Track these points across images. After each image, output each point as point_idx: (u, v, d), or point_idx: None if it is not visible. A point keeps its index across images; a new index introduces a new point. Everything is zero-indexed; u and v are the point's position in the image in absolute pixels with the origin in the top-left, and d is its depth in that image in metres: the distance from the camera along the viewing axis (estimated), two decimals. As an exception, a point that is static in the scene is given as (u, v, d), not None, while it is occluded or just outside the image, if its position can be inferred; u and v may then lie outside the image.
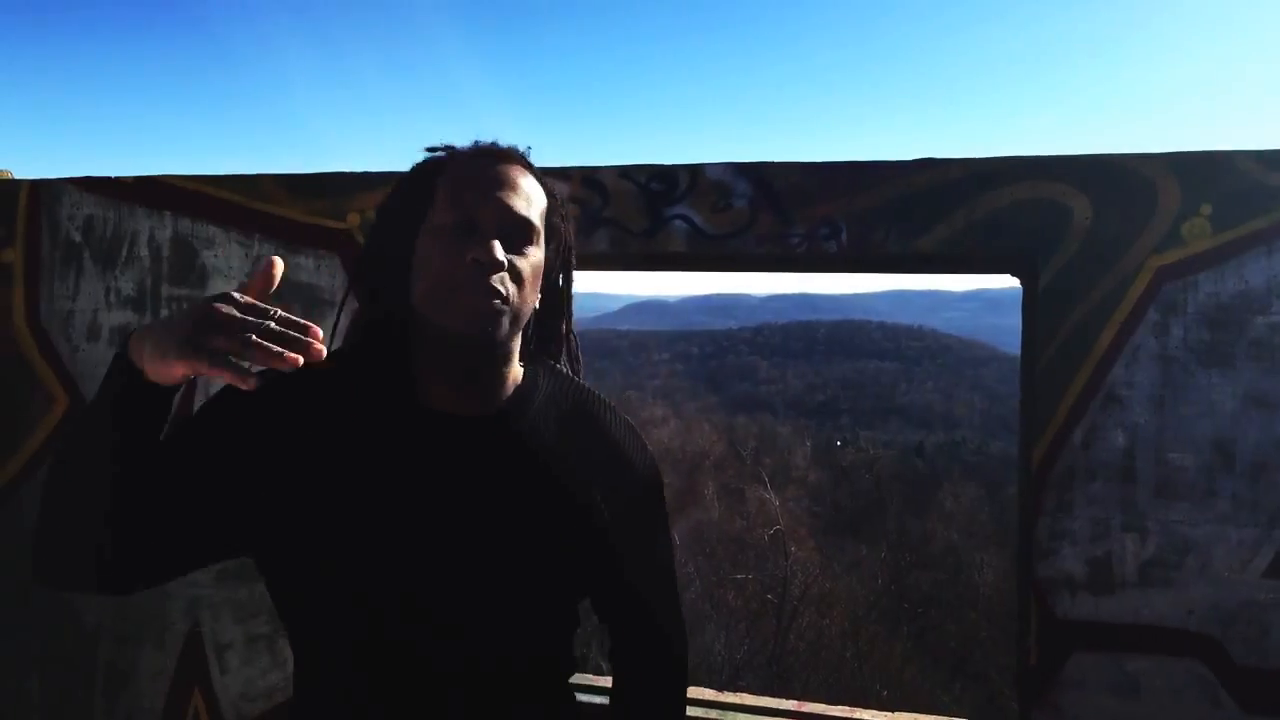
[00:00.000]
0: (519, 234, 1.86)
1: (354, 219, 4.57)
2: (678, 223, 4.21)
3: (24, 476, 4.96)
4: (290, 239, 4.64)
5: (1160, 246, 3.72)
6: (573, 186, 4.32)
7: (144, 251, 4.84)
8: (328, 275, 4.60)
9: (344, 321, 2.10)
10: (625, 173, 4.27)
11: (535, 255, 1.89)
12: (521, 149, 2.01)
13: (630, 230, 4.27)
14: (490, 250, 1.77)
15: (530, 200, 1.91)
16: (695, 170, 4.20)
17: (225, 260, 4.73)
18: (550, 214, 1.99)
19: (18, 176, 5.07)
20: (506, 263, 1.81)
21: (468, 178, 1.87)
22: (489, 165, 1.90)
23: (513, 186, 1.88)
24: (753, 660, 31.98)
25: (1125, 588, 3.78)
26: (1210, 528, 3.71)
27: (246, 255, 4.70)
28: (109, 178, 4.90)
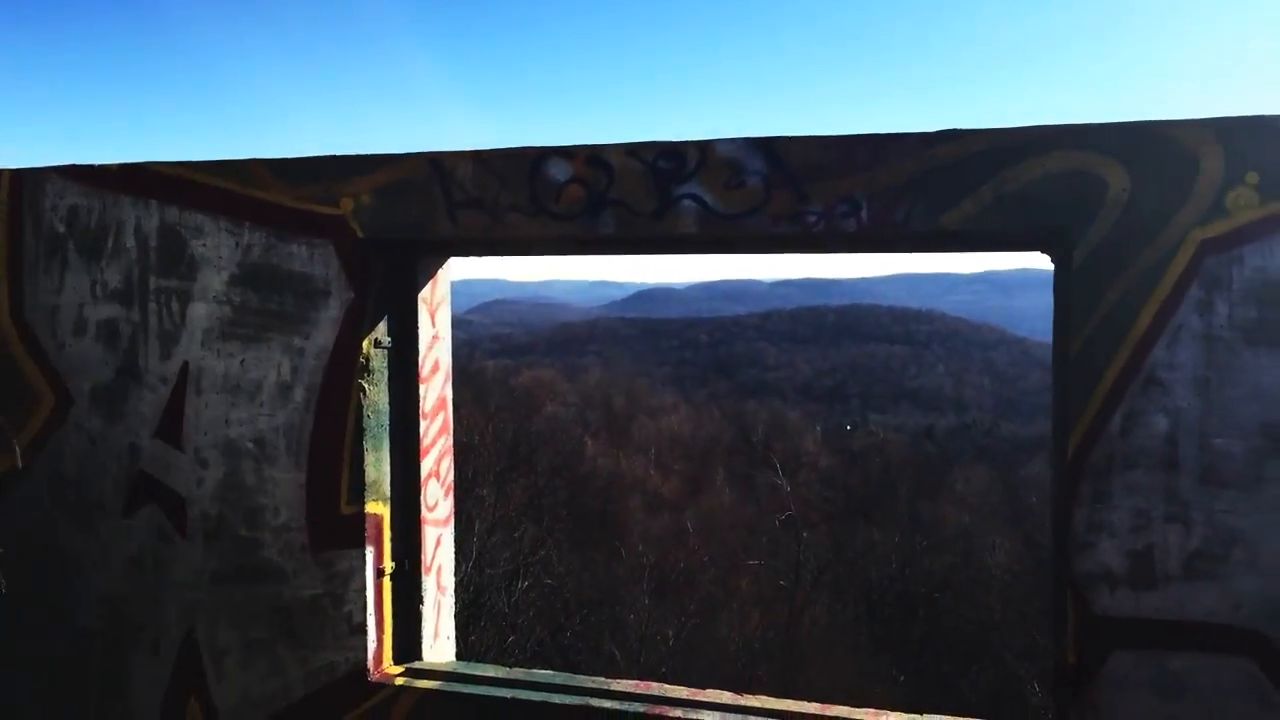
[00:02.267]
0: None
1: (347, 204, 4.36)
2: (687, 202, 3.99)
3: (10, 477, 4.77)
4: (281, 226, 4.44)
5: (1203, 219, 3.49)
6: (577, 166, 4.10)
7: (130, 242, 4.64)
8: (321, 263, 4.39)
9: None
10: (632, 150, 4.05)
11: None
12: None
13: (637, 211, 4.05)
14: None
15: None
16: (705, 147, 3.98)
17: (215, 250, 4.53)
18: None
19: (-2, 166, 4.87)
20: None
21: None
22: None
23: None
24: (768, 648, 31.85)
25: (1168, 582, 3.57)
26: (1259, 517, 3.49)
27: (237, 244, 4.50)
28: (93, 166, 4.69)
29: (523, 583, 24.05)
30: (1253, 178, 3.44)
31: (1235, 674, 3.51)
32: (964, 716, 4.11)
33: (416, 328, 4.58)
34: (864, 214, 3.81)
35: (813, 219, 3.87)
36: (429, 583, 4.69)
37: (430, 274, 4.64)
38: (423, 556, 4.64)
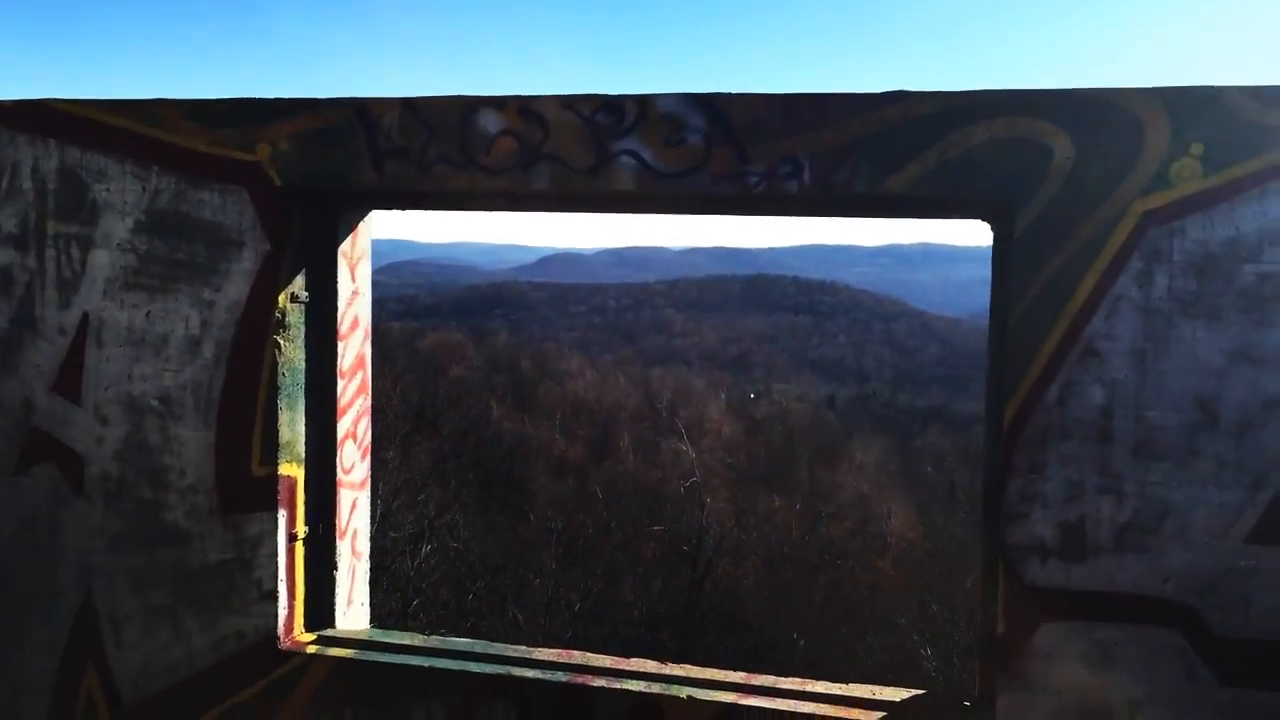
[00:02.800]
0: None
1: (264, 150, 4.14)
2: (625, 159, 3.86)
3: (-108, 433, 4.47)
4: (192, 171, 4.19)
5: (1147, 189, 3.47)
6: (509, 117, 3.93)
7: (27, 184, 4.35)
8: (235, 212, 4.17)
9: None
10: (568, 103, 3.90)
11: None
12: None
13: (572, 167, 3.90)
14: None
15: None
16: (645, 101, 3.84)
17: (119, 195, 4.27)
18: None
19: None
20: None
21: None
22: None
23: None
24: (671, 612, 32.02)
25: (1099, 553, 3.56)
26: (1191, 490, 3.49)
27: (143, 189, 4.24)
28: (-15, 100, 4.39)
29: (427, 546, 23.82)
30: (1197, 149, 3.42)
31: (1163, 645, 3.52)
32: (861, 682, 4.08)
33: (336, 282, 4.38)
34: (806, 175, 3.72)
35: (754, 179, 3.76)
36: (343, 548, 4.51)
37: (351, 227, 4.43)
38: (337, 520, 4.46)
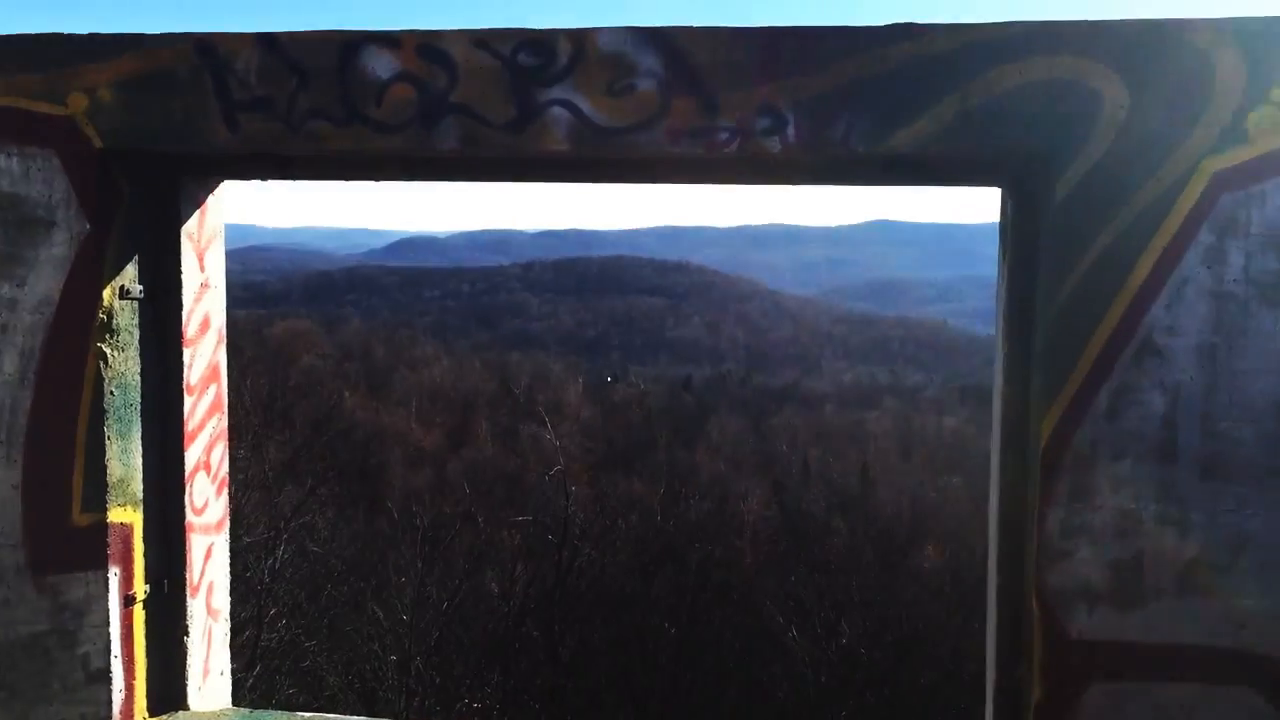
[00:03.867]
0: None
1: (79, 102, 3.18)
2: (557, 110, 3.03)
3: None
4: (-19, 128, 3.20)
5: (1218, 145, 2.80)
6: (405, 58, 3.06)
7: None
8: (40, 182, 3.19)
9: None
10: (482, 40, 3.04)
11: None
12: None
13: (489, 122, 3.05)
14: None
15: None
16: (581, 37, 3.01)
17: (-118, 159, 3.24)
18: None
19: None
20: None
21: None
22: None
23: None
24: (538, 604, 31.22)
25: (1160, 597, 2.91)
26: (1271, 517, 2.85)
27: (-86, 152, 3.23)
28: None
29: (283, 550, 22.43)
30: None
31: (1238, 708, 2.88)
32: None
33: (179, 272, 3.43)
34: (790, 131, 2.95)
35: (724, 136, 2.98)
36: (196, 607, 3.57)
37: (197, 202, 3.49)
38: (188, 574, 3.52)
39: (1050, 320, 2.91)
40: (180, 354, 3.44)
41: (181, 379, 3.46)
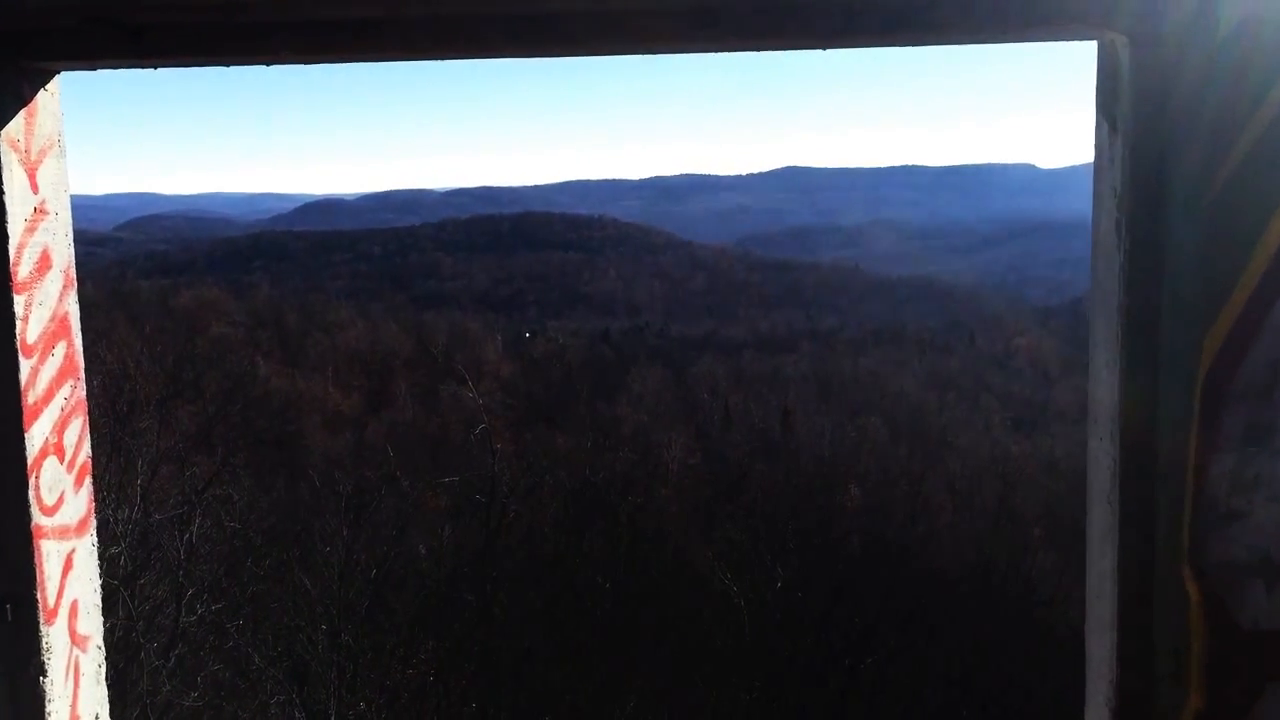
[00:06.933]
0: None
1: None
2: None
3: None
4: None
5: None
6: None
7: None
8: None
9: None
10: None
11: None
12: None
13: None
14: None
15: None
16: None
17: None
18: None
19: None
20: None
21: None
22: None
23: None
24: (469, 566, 30.51)
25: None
26: None
27: None
28: None
29: (198, 524, 21.31)
30: None
31: None
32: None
33: (1, 194, 2.56)
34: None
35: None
36: (55, 634, 2.74)
37: (23, 98, 2.60)
38: (40, 593, 2.68)
39: (1214, 200, 2.17)
40: (10, 302, 2.58)
41: (15, 336, 2.60)
